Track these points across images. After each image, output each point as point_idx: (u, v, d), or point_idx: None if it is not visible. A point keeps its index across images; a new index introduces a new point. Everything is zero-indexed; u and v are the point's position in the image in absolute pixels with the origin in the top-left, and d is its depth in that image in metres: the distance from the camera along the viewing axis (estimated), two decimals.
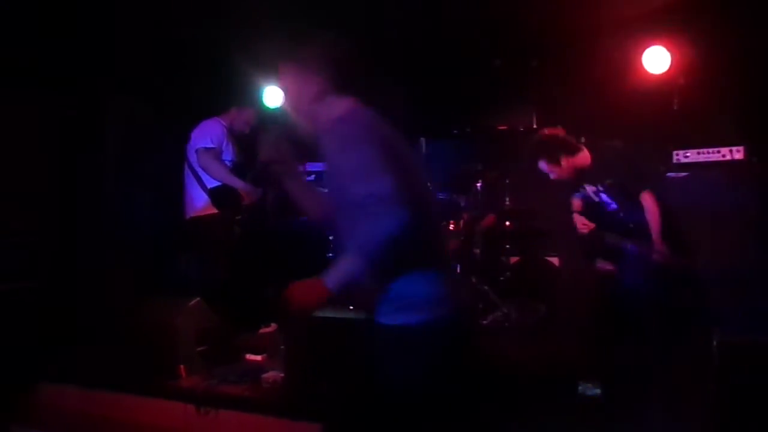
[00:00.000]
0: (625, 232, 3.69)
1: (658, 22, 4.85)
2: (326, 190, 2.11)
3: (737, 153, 4.29)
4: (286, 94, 2.17)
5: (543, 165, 3.80)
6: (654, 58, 4.72)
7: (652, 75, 4.78)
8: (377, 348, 1.92)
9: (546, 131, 3.91)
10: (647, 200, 3.53)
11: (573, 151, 3.76)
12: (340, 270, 1.80)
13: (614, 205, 3.76)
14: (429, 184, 2.27)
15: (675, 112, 4.65)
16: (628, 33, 4.92)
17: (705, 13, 4.70)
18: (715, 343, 2.51)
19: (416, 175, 1.98)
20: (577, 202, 3.99)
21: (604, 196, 3.77)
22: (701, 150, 4.39)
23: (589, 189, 3.82)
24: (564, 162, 3.73)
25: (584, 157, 3.76)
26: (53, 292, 4.30)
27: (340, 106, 2.02)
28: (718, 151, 4.35)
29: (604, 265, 3.86)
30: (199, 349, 3.65)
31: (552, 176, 3.82)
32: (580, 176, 3.80)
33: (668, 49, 4.67)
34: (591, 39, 5.28)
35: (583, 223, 3.85)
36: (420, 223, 1.76)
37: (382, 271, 1.83)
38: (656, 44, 4.72)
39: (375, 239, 1.74)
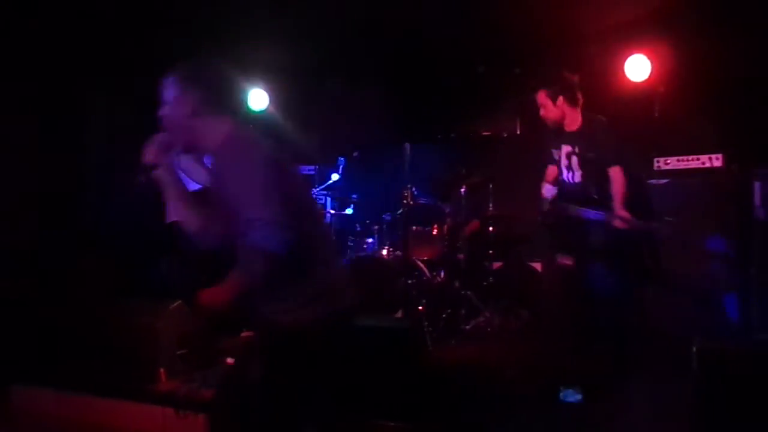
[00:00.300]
0: (588, 201, 3.74)
1: (639, 32, 4.92)
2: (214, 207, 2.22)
3: (716, 160, 4.35)
4: (166, 108, 2.22)
5: (542, 95, 3.83)
6: (635, 66, 4.78)
7: (633, 83, 4.85)
8: (269, 344, 2.11)
9: (567, 73, 3.94)
10: (616, 173, 3.63)
11: (573, 102, 3.81)
12: (234, 281, 1.97)
13: (578, 177, 3.81)
14: (311, 195, 2.48)
15: (656, 120, 4.71)
16: (610, 41, 4.99)
17: (684, 23, 4.77)
18: (694, 349, 2.53)
19: (301, 191, 2.21)
20: (551, 170, 4.03)
21: (574, 160, 3.80)
22: (681, 157, 4.45)
23: (565, 149, 3.85)
24: (559, 103, 3.78)
25: (576, 115, 3.81)
26: (30, 294, 4.23)
27: (219, 126, 2.14)
28: (698, 159, 4.41)
29: (563, 260, 3.87)
30: (179, 352, 3.62)
31: (541, 111, 3.84)
32: (562, 131, 3.84)
33: (649, 58, 4.73)
34: (573, 47, 5.34)
35: (548, 190, 3.96)
36: (307, 236, 2.00)
37: (271, 279, 1.97)
38: (637, 53, 4.78)
39: (261, 259, 1.92)
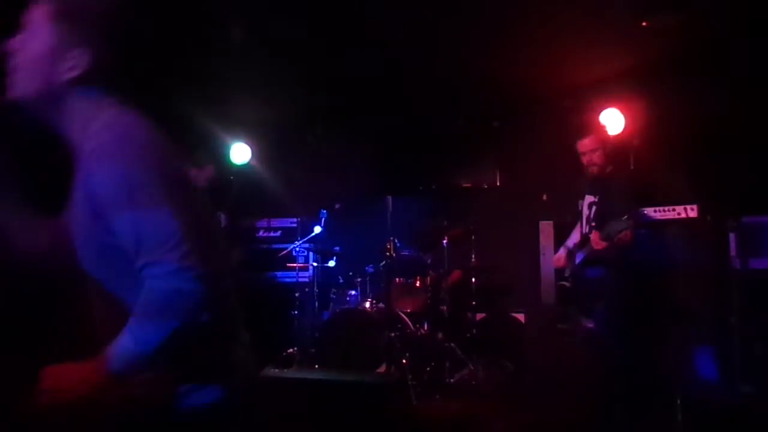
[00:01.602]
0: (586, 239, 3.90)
1: (613, 86, 5.09)
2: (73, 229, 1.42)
3: (692, 211, 4.42)
4: (19, 48, 1.37)
5: (593, 140, 3.87)
6: (609, 120, 4.91)
7: (614, 141, 4.97)
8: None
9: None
10: (627, 235, 3.64)
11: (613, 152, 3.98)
12: (115, 356, 1.23)
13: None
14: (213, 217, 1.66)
15: (631, 172, 4.82)
16: (585, 96, 5.14)
17: (656, 78, 4.95)
18: (678, 401, 2.53)
19: (204, 208, 1.46)
20: (575, 234, 4.15)
21: (593, 210, 3.89)
22: (657, 208, 4.53)
23: (588, 199, 3.96)
24: (608, 152, 3.89)
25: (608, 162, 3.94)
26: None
27: (102, 104, 1.38)
28: (674, 209, 4.49)
29: (586, 323, 3.91)
30: None
31: (587, 158, 3.88)
32: (596, 179, 3.90)
33: (622, 112, 4.88)
34: (549, 101, 5.50)
35: (559, 257, 4.12)
36: (218, 278, 1.30)
37: (173, 349, 1.26)
38: (611, 107, 4.92)
39: (164, 325, 1.23)
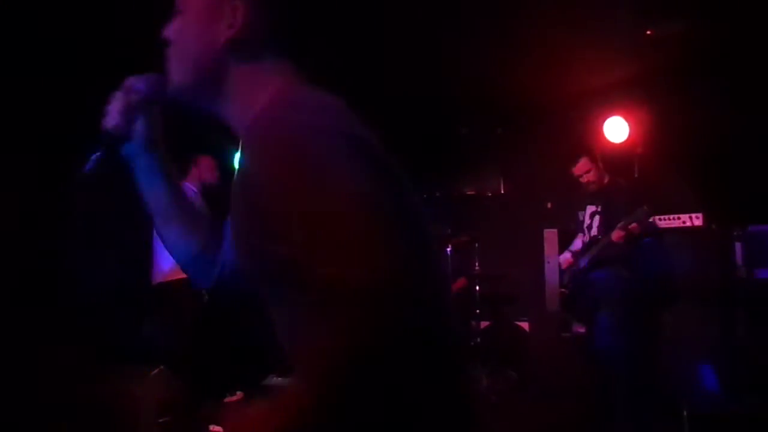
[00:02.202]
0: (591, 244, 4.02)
1: (617, 94, 5.08)
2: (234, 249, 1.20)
3: (697, 219, 4.42)
4: (176, 25, 1.15)
5: (585, 162, 4.06)
6: (613, 128, 4.91)
7: (612, 144, 4.97)
8: None
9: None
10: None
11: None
12: (288, 407, 0.86)
13: (594, 231, 4.07)
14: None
15: (635, 180, 4.80)
16: (589, 104, 5.13)
17: (661, 86, 4.94)
18: (684, 413, 2.51)
19: (420, 224, 1.05)
20: (577, 242, 4.26)
21: (596, 219, 4.04)
22: (662, 216, 4.52)
23: (589, 209, 4.12)
24: (600, 165, 4.07)
25: (604, 173, 4.14)
26: (7, 357, 4.12)
27: (265, 77, 1.11)
28: (679, 218, 4.48)
29: (578, 328, 3.95)
30: (161, 420, 3.51)
31: (585, 178, 4.06)
32: (598, 193, 4.07)
33: (627, 120, 4.87)
34: (554, 109, 5.49)
35: (565, 259, 4.23)
36: (435, 324, 0.89)
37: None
38: (615, 115, 4.92)
39: (345, 361, 0.79)
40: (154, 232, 4.30)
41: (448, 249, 5.10)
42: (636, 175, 4.85)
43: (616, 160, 4.63)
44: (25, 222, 4.79)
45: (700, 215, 4.40)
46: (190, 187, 4.51)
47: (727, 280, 4.04)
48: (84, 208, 5.15)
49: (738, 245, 4.01)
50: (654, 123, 4.88)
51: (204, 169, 4.63)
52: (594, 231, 4.03)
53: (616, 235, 3.75)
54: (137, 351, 4.35)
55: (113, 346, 4.63)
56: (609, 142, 4.95)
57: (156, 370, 3.57)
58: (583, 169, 4.06)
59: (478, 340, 5.13)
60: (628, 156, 4.85)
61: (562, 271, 4.35)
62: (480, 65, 5.05)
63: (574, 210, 4.28)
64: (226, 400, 4.40)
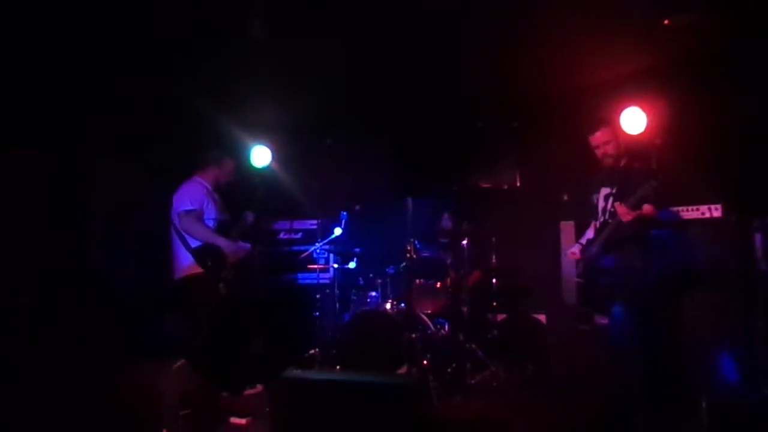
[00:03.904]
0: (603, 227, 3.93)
1: (634, 84, 5.03)
2: None
3: (716, 211, 4.38)
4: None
5: (606, 133, 3.98)
6: (631, 119, 4.86)
7: (629, 135, 4.92)
8: None
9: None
10: (648, 209, 3.69)
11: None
12: None
13: (608, 215, 3.95)
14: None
15: (653, 171, 4.76)
16: (605, 95, 5.09)
17: (679, 76, 4.89)
18: (703, 404, 2.50)
19: None
20: (590, 231, 4.17)
21: (611, 202, 3.92)
22: (681, 208, 4.48)
23: (604, 191, 4.01)
24: (620, 143, 4.00)
25: (623, 152, 4.02)
26: (33, 352, 4.20)
27: None
28: (698, 209, 4.45)
29: (600, 320, 3.92)
30: (182, 412, 3.57)
31: (601, 150, 3.97)
32: (611, 170, 3.97)
33: (644, 110, 4.82)
34: (570, 101, 5.46)
35: (574, 251, 4.13)
36: None
37: None
38: (633, 105, 4.87)
39: None
40: (172, 229, 4.40)
41: (465, 242, 5.10)
42: (654, 166, 4.81)
43: (633, 151, 4.59)
44: (46, 218, 4.88)
45: (719, 206, 4.36)
46: (201, 181, 4.58)
47: (746, 271, 4.00)
48: (105, 205, 5.25)
49: (758, 236, 3.97)
50: (672, 113, 4.84)
51: (224, 171, 4.72)
52: (608, 215, 3.94)
53: (625, 215, 3.64)
54: (159, 345, 4.42)
55: (135, 340, 4.71)
56: (626, 133, 4.91)
57: (177, 364, 3.62)
58: (601, 139, 3.98)
59: (495, 332, 5.14)
60: (646, 147, 4.81)
61: (576, 263, 4.31)
62: (496, 59, 5.04)
63: (590, 193, 4.20)
64: (246, 392, 4.46)
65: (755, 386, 3.65)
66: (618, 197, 3.84)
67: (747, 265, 3.99)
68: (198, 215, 4.38)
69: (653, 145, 4.82)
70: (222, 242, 4.36)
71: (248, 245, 4.60)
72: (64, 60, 4.58)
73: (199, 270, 4.33)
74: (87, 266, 5.02)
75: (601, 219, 3.99)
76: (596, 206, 4.07)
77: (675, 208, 4.50)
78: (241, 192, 4.86)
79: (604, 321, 3.86)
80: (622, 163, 4.01)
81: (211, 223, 4.46)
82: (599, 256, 3.94)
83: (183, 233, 4.36)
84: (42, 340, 4.38)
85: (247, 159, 5.51)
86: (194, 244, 4.35)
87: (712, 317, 3.97)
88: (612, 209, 3.85)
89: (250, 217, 4.70)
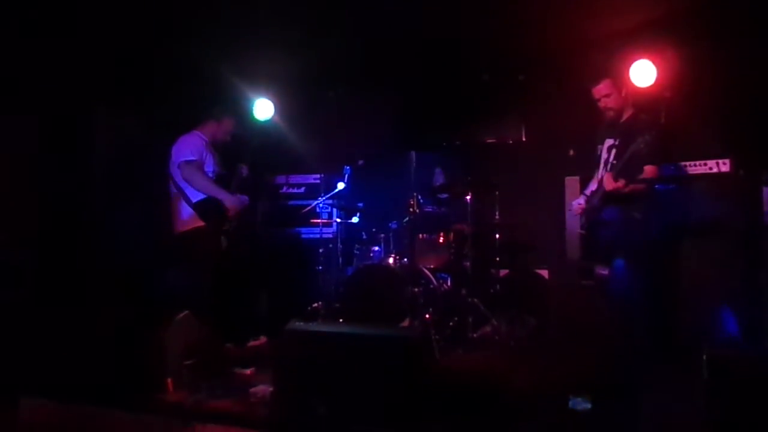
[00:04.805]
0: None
1: (644, 37, 4.91)
2: None
3: (723, 165, 4.33)
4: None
5: (607, 84, 3.93)
6: (640, 72, 4.76)
7: (638, 88, 4.83)
8: None
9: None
10: (650, 170, 3.70)
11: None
12: None
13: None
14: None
15: (662, 125, 4.69)
16: (614, 47, 4.97)
17: (689, 28, 4.76)
18: (704, 357, 2.50)
19: None
20: (593, 183, 4.15)
21: (614, 153, 3.88)
22: (689, 162, 4.43)
23: (608, 142, 3.97)
24: (624, 92, 3.95)
25: (628, 105, 4.00)
26: (37, 305, 4.24)
27: None
28: (705, 164, 4.39)
29: (601, 271, 3.92)
30: (186, 362, 3.61)
31: (603, 102, 3.94)
32: (615, 122, 3.94)
33: (654, 63, 4.71)
34: (577, 53, 5.33)
35: (578, 205, 4.16)
36: None
37: None
38: (642, 58, 4.76)
39: None
40: (171, 183, 4.37)
41: (468, 197, 5.06)
42: (662, 120, 4.73)
43: (642, 104, 4.51)
44: (46, 174, 4.85)
45: (727, 161, 4.31)
46: (199, 134, 4.55)
47: (754, 226, 3.97)
48: (105, 161, 5.22)
49: (765, 190, 3.92)
50: (682, 66, 4.73)
51: (224, 129, 4.68)
52: (609, 167, 3.90)
53: (609, 184, 3.66)
54: (163, 296, 4.45)
55: (140, 292, 4.74)
56: (635, 86, 4.81)
57: (181, 315, 3.65)
58: (603, 91, 3.93)
59: (498, 287, 5.15)
60: (655, 100, 4.72)
61: (580, 216, 4.28)
62: (501, 10, 4.91)
63: (596, 144, 4.14)
64: (250, 344, 4.51)
65: (757, 340, 3.67)
66: (619, 149, 3.80)
67: (754, 219, 3.95)
68: (199, 165, 4.36)
69: (663, 99, 4.74)
70: (223, 195, 4.34)
71: (247, 198, 4.58)
72: (62, 17, 4.49)
73: (200, 223, 4.33)
74: (88, 221, 5.02)
75: (603, 171, 3.95)
76: (600, 156, 4.02)
77: (682, 163, 4.44)
78: (234, 146, 4.82)
79: (605, 272, 3.86)
80: (626, 116, 3.94)
81: (210, 176, 4.43)
82: (600, 208, 3.91)
83: (183, 185, 4.34)
84: (43, 296, 4.41)
85: (249, 112, 5.45)
86: (195, 197, 4.33)
87: (715, 271, 3.96)
88: (614, 161, 3.81)
89: (244, 170, 4.67)
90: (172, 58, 5.28)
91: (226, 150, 4.71)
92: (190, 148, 4.37)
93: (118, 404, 3.37)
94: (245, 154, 4.77)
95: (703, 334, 3.81)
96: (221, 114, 4.67)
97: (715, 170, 4.34)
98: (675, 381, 3.38)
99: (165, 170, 4.46)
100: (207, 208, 4.30)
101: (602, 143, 4.03)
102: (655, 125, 3.65)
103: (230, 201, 4.36)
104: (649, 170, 3.68)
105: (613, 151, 3.87)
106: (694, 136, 4.57)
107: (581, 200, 4.24)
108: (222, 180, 4.48)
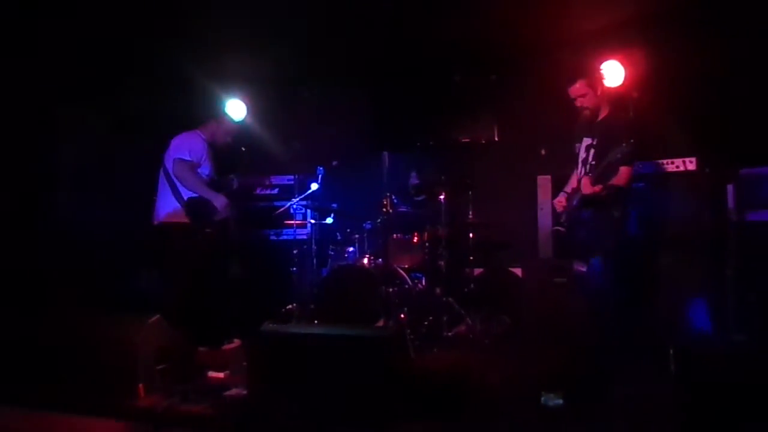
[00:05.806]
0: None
1: (613, 38, 4.99)
2: None
3: (690, 164, 4.42)
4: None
5: (582, 85, 3.94)
6: (609, 72, 4.83)
7: (608, 87, 4.89)
8: None
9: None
10: (625, 172, 3.69)
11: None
12: None
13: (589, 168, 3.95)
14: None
15: (631, 119, 4.76)
16: (584, 48, 5.04)
17: (657, 29, 4.85)
18: (671, 351, 2.55)
19: None
20: (573, 179, 4.18)
21: (591, 153, 3.92)
22: (656, 161, 4.51)
23: (585, 141, 4.00)
24: (599, 92, 3.95)
25: (605, 104, 3.99)
26: (3, 308, 4.15)
27: None
28: (673, 162, 4.48)
29: (578, 266, 3.96)
30: (159, 367, 3.56)
31: (579, 102, 3.96)
32: (592, 121, 3.96)
33: (622, 63, 4.79)
34: (548, 53, 5.40)
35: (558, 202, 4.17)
36: None
37: None
38: (611, 58, 4.83)
39: None
40: (161, 171, 4.31)
41: (442, 197, 5.09)
42: (633, 120, 4.80)
43: (613, 103, 4.58)
44: (18, 159, 4.74)
45: (693, 159, 4.41)
46: (201, 135, 4.53)
47: (719, 223, 4.06)
48: (74, 158, 5.13)
49: (730, 189, 4.02)
50: (650, 66, 4.82)
51: (224, 128, 4.66)
52: (588, 167, 3.93)
53: (586, 188, 3.69)
54: (135, 298, 4.39)
55: (111, 294, 4.67)
56: (604, 85, 4.88)
57: (153, 318, 3.60)
58: (579, 91, 3.96)
59: (472, 286, 5.18)
60: (624, 99, 4.80)
61: (558, 213, 4.31)
62: (473, 10, 4.94)
63: (574, 142, 4.17)
64: (224, 346, 4.47)
65: (725, 333, 3.75)
66: (598, 150, 3.84)
67: (719, 217, 4.04)
68: (193, 166, 4.34)
69: (631, 98, 4.82)
70: (212, 195, 4.32)
71: (232, 208, 4.56)
72: (32, 11, 4.40)
73: (184, 220, 4.28)
74: (57, 216, 4.93)
75: (582, 170, 3.99)
76: (578, 155, 4.06)
77: (651, 162, 4.52)
78: (229, 156, 4.80)
79: (583, 269, 3.90)
80: (602, 115, 3.99)
81: (204, 178, 4.41)
82: (579, 208, 3.96)
83: (175, 180, 4.30)
84: (11, 298, 4.32)
85: (223, 112, 5.40)
86: (186, 194, 4.30)
87: (685, 268, 4.04)
88: (592, 162, 3.86)
89: (235, 182, 4.65)
90: (138, 54, 5.22)
91: (220, 160, 4.69)
92: (190, 147, 4.35)
93: (86, 410, 3.31)
94: (240, 167, 4.76)
95: (672, 329, 3.89)
96: (221, 113, 4.66)
97: (681, 168, 4.43)
98: (645, 376, 3.43)
99: (137, 170, 4.41)
100: (198, 206, 4.27)
101: (580, 142, 4.06)
102: (628, 132, 3.68)
103: (220, 202, 4.34)
104: (624, 171, 3.70)
105: (592, 151, 3.90)
106: (662, 136, 4.66)
107: (562, 198, 4.26)
108: (213, 187, 4.46)
